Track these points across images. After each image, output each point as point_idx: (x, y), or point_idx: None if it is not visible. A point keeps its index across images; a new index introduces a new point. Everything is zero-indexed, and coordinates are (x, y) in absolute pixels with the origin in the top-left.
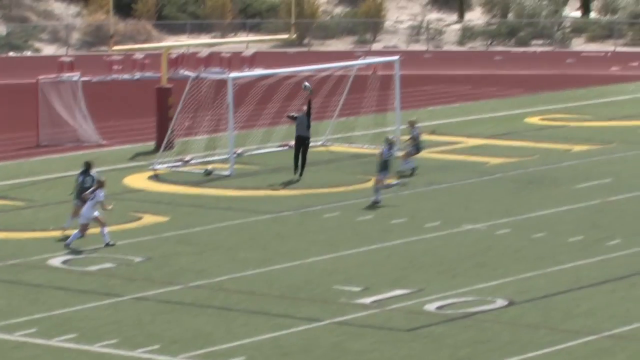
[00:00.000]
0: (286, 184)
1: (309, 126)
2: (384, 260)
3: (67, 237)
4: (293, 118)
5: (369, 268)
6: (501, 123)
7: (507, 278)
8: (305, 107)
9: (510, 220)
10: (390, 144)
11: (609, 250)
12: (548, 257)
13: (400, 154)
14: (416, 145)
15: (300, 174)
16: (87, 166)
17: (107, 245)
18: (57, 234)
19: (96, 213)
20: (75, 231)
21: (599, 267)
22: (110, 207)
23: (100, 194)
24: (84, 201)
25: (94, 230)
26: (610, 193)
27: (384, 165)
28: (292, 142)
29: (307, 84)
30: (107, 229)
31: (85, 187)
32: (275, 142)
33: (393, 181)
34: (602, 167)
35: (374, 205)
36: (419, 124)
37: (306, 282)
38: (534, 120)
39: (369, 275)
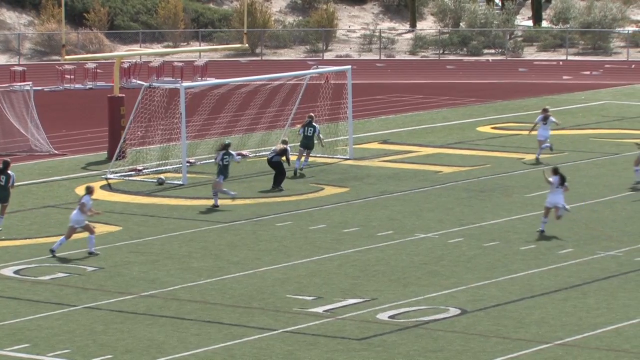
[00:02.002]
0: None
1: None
2: (336, 270)
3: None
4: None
5: (321, 277)
6: (453, 132)
7: (459, 287)
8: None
9: (462, 229)
10: (224, 147)
11: (560, 259)
12: (500, 266)
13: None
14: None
15: (279, 188)
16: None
17: (91, 254)
18: (7, 243)
19: (83, 218)
20: (62, 237)
21: (551, 275)
22: (98, 213)
23: (87, 199)
24: None
25: (51, 239)
26: None
27: (222, 170)
28: (245, 151)
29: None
30: (94, 238)
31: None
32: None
33: (231, 191)
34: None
35: (213, 209)
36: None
37: (259, 291)
38: (486, 129)
39: (321, 284)
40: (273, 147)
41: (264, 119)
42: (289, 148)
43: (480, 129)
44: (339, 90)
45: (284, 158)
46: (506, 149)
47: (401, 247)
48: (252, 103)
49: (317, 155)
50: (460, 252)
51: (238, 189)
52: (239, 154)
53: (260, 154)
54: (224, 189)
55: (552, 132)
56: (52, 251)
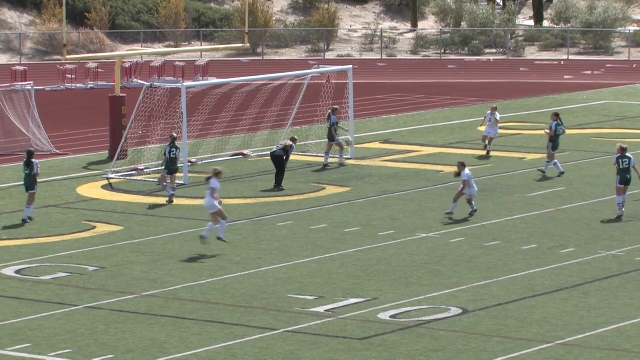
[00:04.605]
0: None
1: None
2: (337, 269)
3: None
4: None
5: (322, 277)
6: (455, 131)
7: (460, 286)
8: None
9: (464, 229)
10: (171, 141)
11: (562, 259)
12: (502, 266)
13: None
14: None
15: (279, 187)
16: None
17: (219, 239)
18: (8, 243)
19: (215, 203)
20: (209, 224)
21: (553, 275)
22: (221, 201)
23: (216, 183)
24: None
25: (53, 239)
26: (563, 202)
27: (167, 164)
28: (247, 151)
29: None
30: (225, 224)
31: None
32: (229, 151)
33: (171, 189)
34: (555, 176)
35: (169, 203)
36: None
37: (260, 291)
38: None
39: (322, 284)
40: (281, 142)
41: (266, 119)
42: (294, 146)
43: (482, 128)
44: (340, 90)
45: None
46: (507, 148)
47: (402, 246)
48: (253, 103)
49: (319, 155)
50: (461, 251)
51: (240, 189)
52: (239, 154)
53: (262, 154)
54: (165, 184)
55: (541, 132)
56: (202, 237)
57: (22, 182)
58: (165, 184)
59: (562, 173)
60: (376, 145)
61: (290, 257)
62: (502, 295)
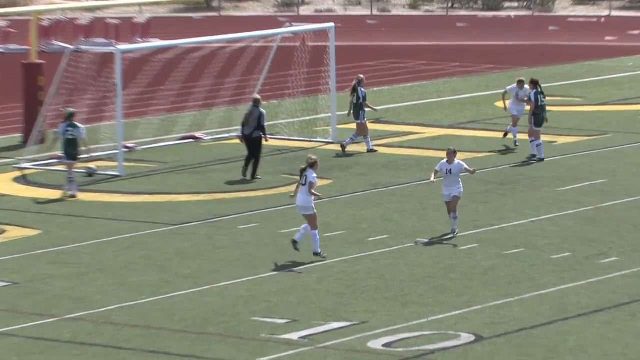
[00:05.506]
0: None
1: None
2: (315, 285)
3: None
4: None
5: (296, 294)
6: (465, 108)
7: (473, 306)
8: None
9: (477, 232)
10: (68, 118)
11: (602, 271)
12: (526, 280)
13: None
14: None
15: (253, 176)
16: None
17: (316, 254)
18: None
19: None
20: (303, 226)
21: (591, 292)
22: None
23: (312, 175)
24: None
25: None
26: (604, 197)
27: (65, 146)
28: (199, 133)
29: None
30: (318, 234)
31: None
32: (177, 133)
33: (73, 189)
34: (594, 165)
35: (71, 198)
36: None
37: (217, 312)
38: (508, 104)
39: (296, 303)
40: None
41: (223, 92)
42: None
43: (500, 104)
44: (318, 54)
45: None
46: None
47: (399, 255)
48: (207, 71)
49: (292, 138)
50: (474, 261)
51: (190, 182)
52: (190, 137)
53: (219, 136)
54: (71, 176)
55: (586, 109)
56: (294, 242)
57: None
58: (70, 175)
59: (541, 160)
60: (367, 126)
61: (254, 269)
62: (527, 318)
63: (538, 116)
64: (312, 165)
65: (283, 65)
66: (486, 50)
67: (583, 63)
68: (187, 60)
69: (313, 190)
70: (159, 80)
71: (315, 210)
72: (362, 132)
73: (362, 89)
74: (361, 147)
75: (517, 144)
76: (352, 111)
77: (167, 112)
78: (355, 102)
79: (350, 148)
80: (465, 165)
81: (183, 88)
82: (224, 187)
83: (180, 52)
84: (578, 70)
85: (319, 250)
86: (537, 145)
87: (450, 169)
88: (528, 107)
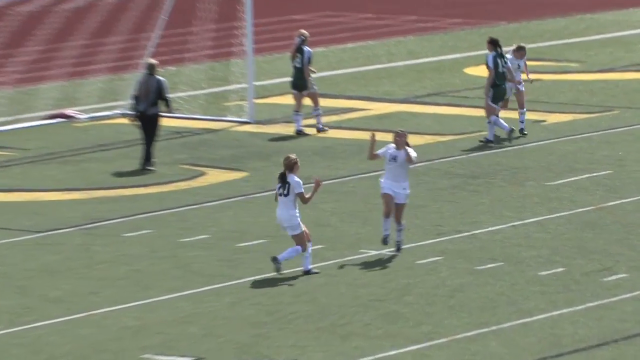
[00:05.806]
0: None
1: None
2: (226, 311)
3: None
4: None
5: (201, 324)
6: (425, 76)
7: (436, 339)
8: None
9: (442, 241)
10: None
11: (606, 291)
12: (505, 304)
13: None
14: None
15: (148, 164)
16: None
17: (307, 273)
18: None
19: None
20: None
21: (591, 319)
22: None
23: (295, 180)
24: None
25: None
26: (608, 194)
27: None
28: (71, 110)
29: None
30: (310, 255)
31: None
32: (42, 111)
33: None
34: (596, 152)
35: None
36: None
37: (96, 347)
38: (480, 71)
39: (201, 336)
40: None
41: (104, 55)
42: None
43: (470, 70)
44: (230, 6)
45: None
46: (515, 105)
47: (337, 273)
48: (80, 29)
49: (195, 117)
50: (437, 280)
51: (60, 175)
52: (59, 115)
53: (98, 114)
54: None
55: (585, 77)
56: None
57: None
58: None
59: (490, 141)
60: (291, 99)
61: (146, 290)
62: (506, 355)
63: (498, 88)
64: (292, 167)
65: (181, 21)
66: None
67: (581, 15)
68: (54, 14)
69: (307, 196)
70: (16, 41)
71: (304, 227)
72: (316, 102)
73: (308, 48)
74: (286, 129)
75: (525, 132)
76: (296, 79)
77: (26, 84)
78: (299, 66)
79: (271, 129)
80: (411, 152)
81: (46, 50)
82: (104, 181)
83: (45, 5)
84: (575, 25)
85: (309, 267)
86: (494, 122)
87: (396, 156)
88: (524, 76)
